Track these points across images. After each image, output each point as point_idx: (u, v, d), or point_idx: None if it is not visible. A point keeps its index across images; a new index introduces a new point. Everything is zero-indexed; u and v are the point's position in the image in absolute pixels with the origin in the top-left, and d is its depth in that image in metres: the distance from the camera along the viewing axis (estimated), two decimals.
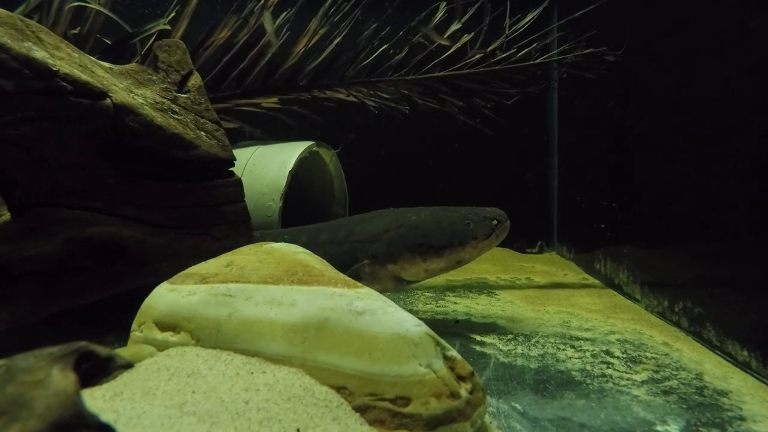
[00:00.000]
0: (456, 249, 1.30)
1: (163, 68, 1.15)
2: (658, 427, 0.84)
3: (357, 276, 1.28)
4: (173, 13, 1.64)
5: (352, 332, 0.66)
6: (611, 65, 1.83)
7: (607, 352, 1.17)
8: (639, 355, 1.16)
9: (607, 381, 1.02)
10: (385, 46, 1.95)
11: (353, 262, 1.33)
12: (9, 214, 0.92)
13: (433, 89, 1.99)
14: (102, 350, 0.59)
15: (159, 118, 1.03)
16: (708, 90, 1.30)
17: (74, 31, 1.52)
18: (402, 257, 1.31)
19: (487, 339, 1.27)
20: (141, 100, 1.03)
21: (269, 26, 1.75)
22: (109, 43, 1.60)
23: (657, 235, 1.56)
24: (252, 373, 0.64)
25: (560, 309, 1.53)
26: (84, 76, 0.91)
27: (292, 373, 0.65)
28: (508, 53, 1.92)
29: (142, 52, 1.58)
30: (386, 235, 1.33)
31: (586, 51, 1.87)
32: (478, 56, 1.92)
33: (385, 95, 2.00)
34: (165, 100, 1.10)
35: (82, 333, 0.67)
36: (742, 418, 0.87)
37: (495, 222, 1.32)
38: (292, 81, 1.97)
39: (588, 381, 1.02)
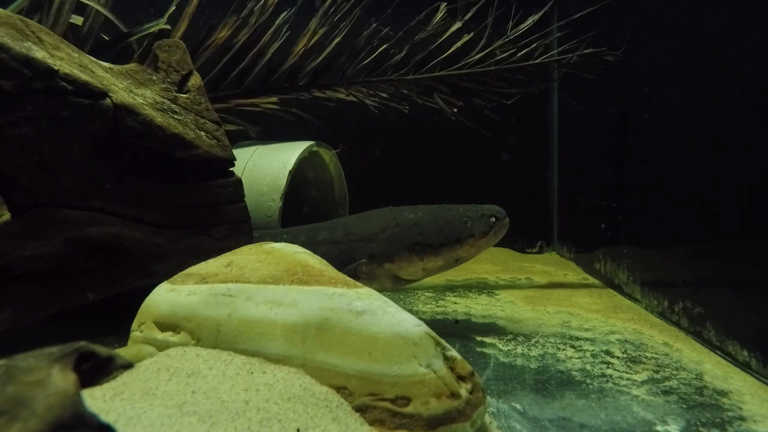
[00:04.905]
0: (454, 247, 1.30)
1: (163, 68, 1.15)
2: (658, 427, 0.84)
3: (354, 275, 1.28)
4: (172, 8, 1.64)
5: (352, 332, 0.66)
6: (611, 65, 1.83)
7: (607, 352, 1.17)
8: (639, 355, 1.16)
9: (607, 381, 1.02)
10: (385, 46, 1.95)
11: (351, 261, 1.33)
12: (9, 214, 0.92)
13: (433, 89, 1.98)
14: (102, 350, 0.59)
15: (159, 118, 1.03)
16: (708, 89, 1.30)
17: (77, 20, 1.51)
18: (399, 256, 1.31)
19: (487, 339, 1.27)
20: (141, 100, 1.03)
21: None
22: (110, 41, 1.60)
23: (657, 235, 1.56)
24: (252, 373, 0.64)
25: (560, 309, 1.53)
26: (84, 76, 0.91)
27: (292, 373, 0.65)
28: (508, 53, 1.92)
29: (139, 52, 1.58)
30: (383, 234, 1.33)
31: (586, 51, 1.87)
32: (478, 56, 1.92)
33: (384, 95, 2.00)
34: (165, 100, 1.10)
35: (82, 333, 0.67)
36: (742, 418, 0.87)
37: (493, 219, 1.31)
38: (291, 81, 1.97)
39: (588, 381, 1.02)
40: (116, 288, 1.06)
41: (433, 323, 1.26)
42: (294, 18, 1.90)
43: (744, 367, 1.09)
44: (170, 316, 0.76)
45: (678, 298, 1.38)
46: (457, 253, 1.31)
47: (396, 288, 1.42)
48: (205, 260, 0.84)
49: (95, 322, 1.10)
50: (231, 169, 1.18)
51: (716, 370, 1.08)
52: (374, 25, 1.95)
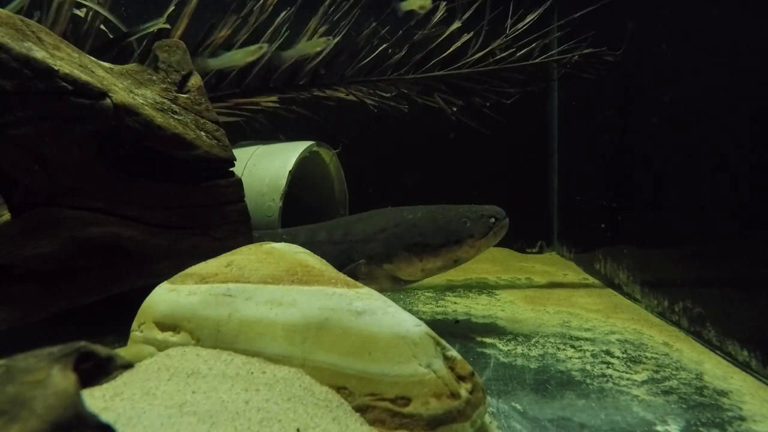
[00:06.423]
0: (452, 248, 1.29)
1: (164, 68, 1.15)
2: (658, 427, 0.84)
3: (353, 275, 1.28)
4: (171, 8, 1.64)
5: (352, 332, 0.66)
6: (611, 65, 1.83)
7: (607, 352, 1.17)
8: (639, 355, 1.16)
9: (607, 381, 1.02)
10: (384, 45, 1.95)
11: (350, 262, 1.33)
12: (9, 214, 0.93)
13: (433, 88, 1.98)
14: (102, 350, 0.59)
15: (159, 118, 1.02)
16: (708, 89, 1.30)
17: (79, 12, 1.51)
18: (398, 256, 1.30)
19: (487, 339, 1.27)
20: (141, 100, 1.03)
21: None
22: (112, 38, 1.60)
23: (657, 235, 1.56)
24: (252, 373, 0.64)
25: (560, 309, 1.53)
26: (84, 76, 0.91)
27: (292, 373, 0.65)
28: (507, 53, 1.92)
29: (139, 52, 1.58)
30: (382, 235, 1.33)
31: (585, 51, 1.87)
32: (477, 56, 1.92)
33: (384, 94, 2.00)
34: (165, 100, 1.10)
35: (82, 333, 0.67)
36: (742, 418, 0.88)
37: (492, 220, 1.31)
38: (291, 80, 1.97)
39: (588, 381, 1.02)
40: (116, 288, 1.06)
41: (433, 323, 1.26)
42: (294, 17, 1.90)
43: (744, 367, 1.09)
44: (170, 316, 0.76)
45: (678, 298, 1.38)
46: (456, 254, 1.30)
47: (395, 288, 1.42)
48: (205, 260, 0.84)
49: (95, 322, 1.10)
50: (231, 169, 1.18)
51: (716, 370, 1.08)
52: (374, 24, 1.95)
